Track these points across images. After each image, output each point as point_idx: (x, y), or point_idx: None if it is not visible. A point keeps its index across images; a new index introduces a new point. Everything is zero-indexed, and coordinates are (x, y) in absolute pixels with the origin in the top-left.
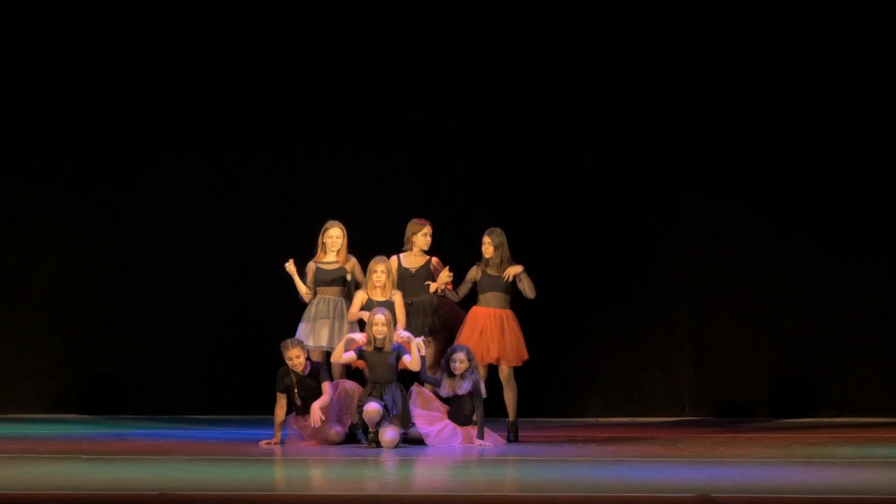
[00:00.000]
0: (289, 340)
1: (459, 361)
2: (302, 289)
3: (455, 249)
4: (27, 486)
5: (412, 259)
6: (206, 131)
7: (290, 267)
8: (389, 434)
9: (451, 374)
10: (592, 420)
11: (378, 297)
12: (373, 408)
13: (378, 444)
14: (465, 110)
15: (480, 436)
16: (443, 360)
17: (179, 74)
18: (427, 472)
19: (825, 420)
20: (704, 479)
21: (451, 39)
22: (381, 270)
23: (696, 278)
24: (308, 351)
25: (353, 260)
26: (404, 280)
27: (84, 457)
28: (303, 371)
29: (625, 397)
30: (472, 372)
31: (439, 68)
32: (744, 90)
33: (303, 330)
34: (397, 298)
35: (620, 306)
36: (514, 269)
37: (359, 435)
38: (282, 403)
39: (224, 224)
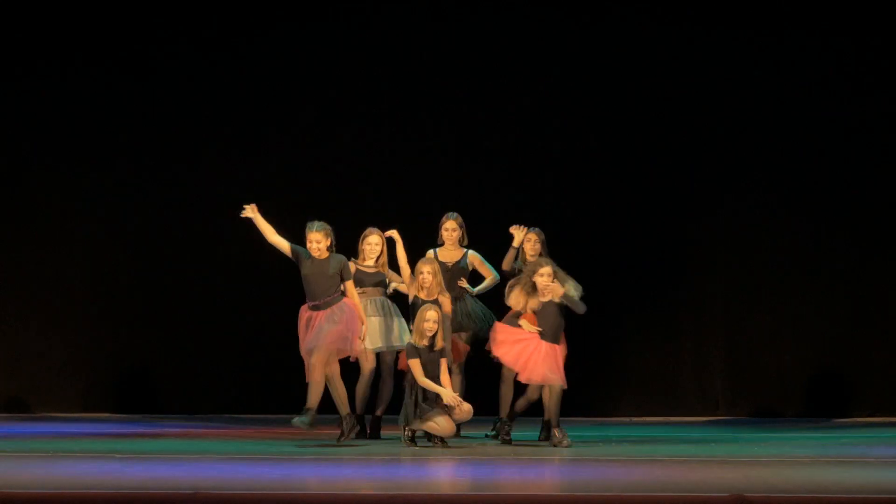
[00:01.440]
0: (315, 222)
1: (547, 275)
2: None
3: (490, 248)
4: (61, 485)
5: (448, 253)
6: (240, 130)
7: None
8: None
9: (532, 291)
10: (626, 419)
11: (424, 297)
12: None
13: (415, 443)
14: (503, 109)
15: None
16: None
17: (214, 73)
18: (461, 471)
19: (859, 420)
20: (738, 479)
21: (482, 37)
22: (428, 271)
23: (729, 278)
24: (332, 239)
25: (392, 273)
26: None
27: (118, 456)
28: (320, 257)
29: (658, 397)
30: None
31: (475, 67)
32: (778, 88)
33: None
34: (445, 301)
35: (654, 306)
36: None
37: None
38: (281, 239)
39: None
